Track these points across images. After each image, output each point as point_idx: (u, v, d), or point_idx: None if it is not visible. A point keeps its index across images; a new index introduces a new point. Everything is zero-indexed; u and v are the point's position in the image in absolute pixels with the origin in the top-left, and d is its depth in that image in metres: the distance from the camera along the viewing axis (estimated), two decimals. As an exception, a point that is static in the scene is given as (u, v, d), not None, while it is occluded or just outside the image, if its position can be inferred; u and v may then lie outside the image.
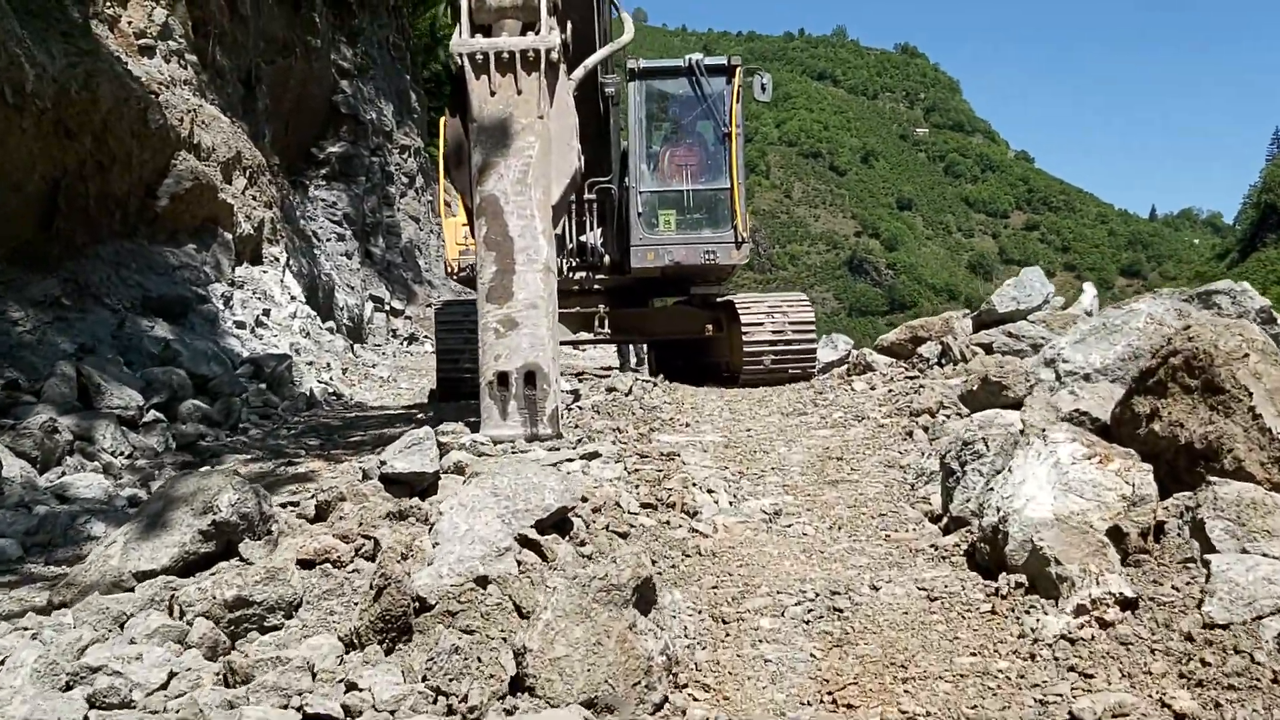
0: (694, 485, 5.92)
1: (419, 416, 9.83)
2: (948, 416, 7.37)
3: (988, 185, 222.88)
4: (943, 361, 9.60)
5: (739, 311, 12.85)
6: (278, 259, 16.64)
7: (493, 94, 7.63)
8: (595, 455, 6.54)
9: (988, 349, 9.57)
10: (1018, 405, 6.18)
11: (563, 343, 15.68)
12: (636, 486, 5.91)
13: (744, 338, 12.61)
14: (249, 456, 8.00)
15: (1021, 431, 4.69)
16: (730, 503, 5.71)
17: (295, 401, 11.32)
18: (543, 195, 7.59)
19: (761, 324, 12.69)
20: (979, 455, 4.73)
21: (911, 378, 9.36)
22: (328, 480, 6.98)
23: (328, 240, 29.79)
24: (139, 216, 12.87)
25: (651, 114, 14.23)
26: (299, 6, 29.63)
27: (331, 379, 13.82)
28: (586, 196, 13.93)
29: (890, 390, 8.84)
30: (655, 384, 10.90)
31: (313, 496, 5.91)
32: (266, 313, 14.68)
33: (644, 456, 6.89)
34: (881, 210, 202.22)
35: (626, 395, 9.83)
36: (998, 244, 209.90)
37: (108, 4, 14.62)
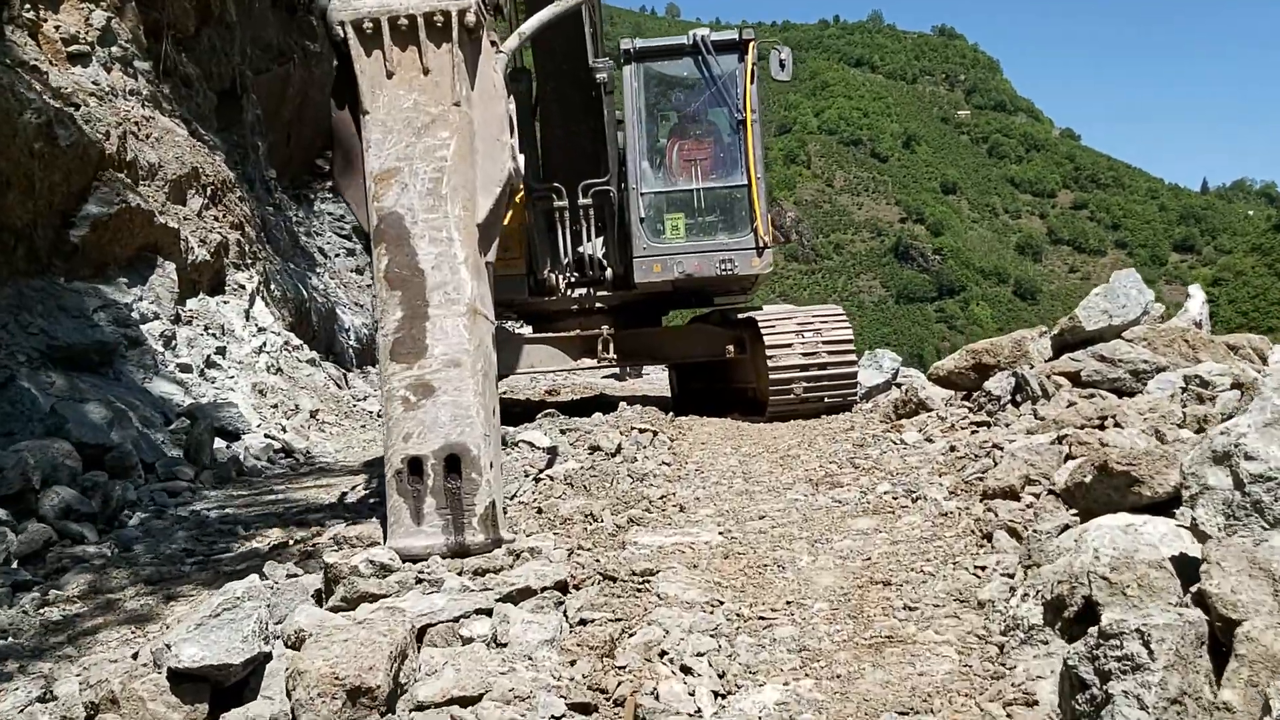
0: (663, 657, 3.83)
1: (354, 499, 7.78)
2: (1036, 497, 5.24)
3: (1033, 165, 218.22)
4: (1018, 398, 7.41)
5: (762, 331, 10.78)
6: (243, 286, 14.69)
7: (390, 75, 5.56)
8: (527, 593, 4.46)
9: (1075, 379, 7.37)
10: (1158, 509, 4.03)
11: (562, 370, 13.66)
12: (573, 662, 3.84)
13: (769, 362, 10.56)
14: (92, 576, 6.00)
15: (1223, 637, 2.57)
16: (716, 693, 3.61)
17: (222, 469, 9.33)
18: (463, 211, 5.52)
19: (789, 345, 10.62)
20: (1135, 665, 2.61)
21: (979, 424, 7.19)
22: (151, 635, 4.96)
23: (335, 256, 28.10)
24: (53, 251, 10.94)
25: (652, 102, 12.17)
26: (294, 10, 27.82)
27: (287, 428, 11.83)
28: (582, 201, 11.89)
29: (952, 447, 6.67)
30: (656, 434, 8.79)
31: (94, 685, 3.94)
32: (222, 350, 12.72)
33: (608, 578, 4.82)
34: (926, 195, 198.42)
35: (614, 457, 7.76)
36: (1045, 224, 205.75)
37: (26, 7, 12.76)
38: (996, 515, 5.02)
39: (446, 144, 5.51)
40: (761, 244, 11.54)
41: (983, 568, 4.49)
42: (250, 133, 22.72)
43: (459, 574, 4.91)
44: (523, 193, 12.59)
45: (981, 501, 5.37)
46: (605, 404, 12.45)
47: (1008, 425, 6.86)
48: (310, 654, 3.52)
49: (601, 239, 12.46)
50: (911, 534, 5.17)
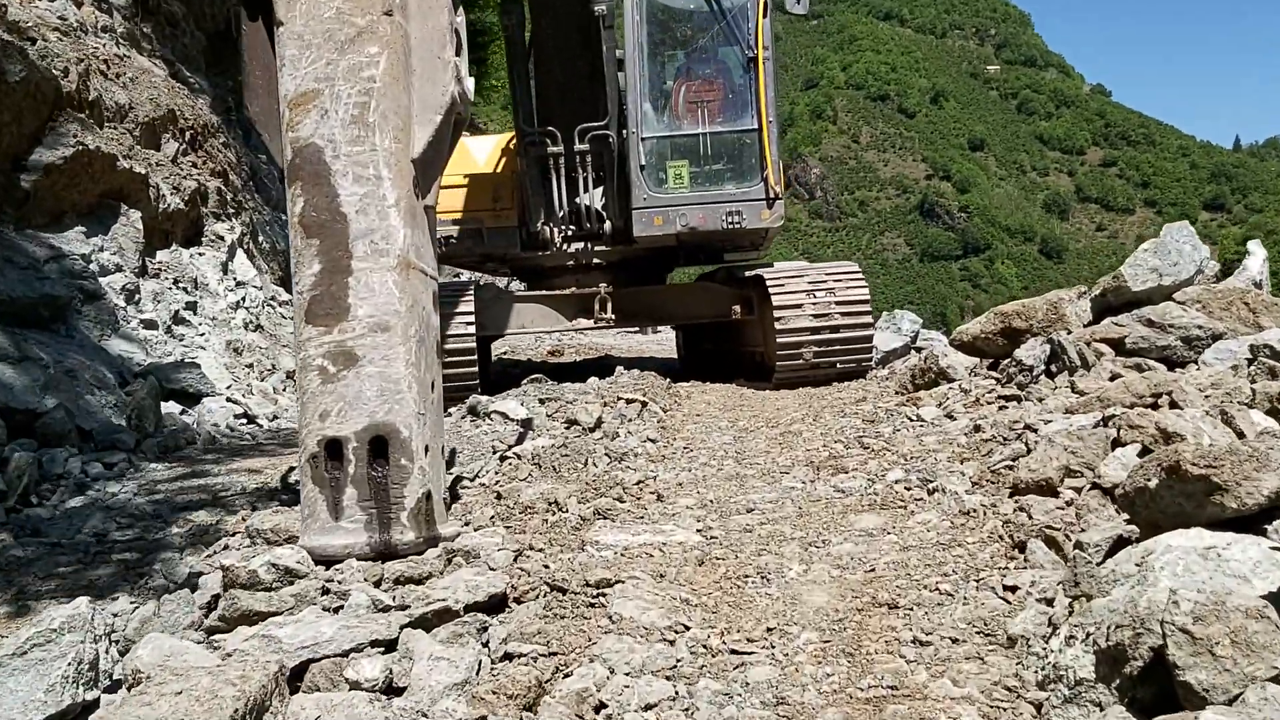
0: (599, 712, 2.97)
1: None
2: (1078, 492, 4.33)
3: (1062, 121, 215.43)
4: (1053, 369, 6.49)
5: (770, 289, 9.88)
6: (222, 238, 13.81)
7: (309, -20, 4.66)
8: (446, 616, 3.60)
9: (1118, 346, 6.46)
10: (1243, 524, 3.13)
11: (557, 330, 12.77)
12: (483, 718, 2.98)
13: (776, 324, 9.66)
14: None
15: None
16: (660, 767, 2.75)
17: (170, 437, 8.50)
18: (394, 143, 4.60)
19: (799, 305, 9.73)
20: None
21: (1009, 398, 6.27)
22: None
23: (339, 207, 27.13)
24: (3, 197, 10.09)
25: (656, 38, 11.16)
26: (298, -51, 26.76)
27: (256, 390, 10.97)
28: (579, 147, 10.94)
29: (977, 426, 5.75)
30: (645, 404, 7.90)
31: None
32: (192, 306, 11.88)
33: (556, 590, 3.96)
34: (953, 152, 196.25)
35: (592, 432, 6.89)
36: (1074, 181, 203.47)
37: (-12, -66, 11.85)
38: (1030, 516, 4.12)
39: (375, 61, 4.59)
40: (772, 194, 10.61)
41: (1013, 589, 3.59)
42: (244, 78, 21.77)
43: (376, 583, 4.07)
44: (515, 138, 11.72)
45: (1011, 497, 4.46)
46: (607, 367, 11.57)
47: (1041, 401, 5.94)
48: (125, 713, 2.66)
49: (600, 189, 11.52)
50: (925, 537, 4.27)
